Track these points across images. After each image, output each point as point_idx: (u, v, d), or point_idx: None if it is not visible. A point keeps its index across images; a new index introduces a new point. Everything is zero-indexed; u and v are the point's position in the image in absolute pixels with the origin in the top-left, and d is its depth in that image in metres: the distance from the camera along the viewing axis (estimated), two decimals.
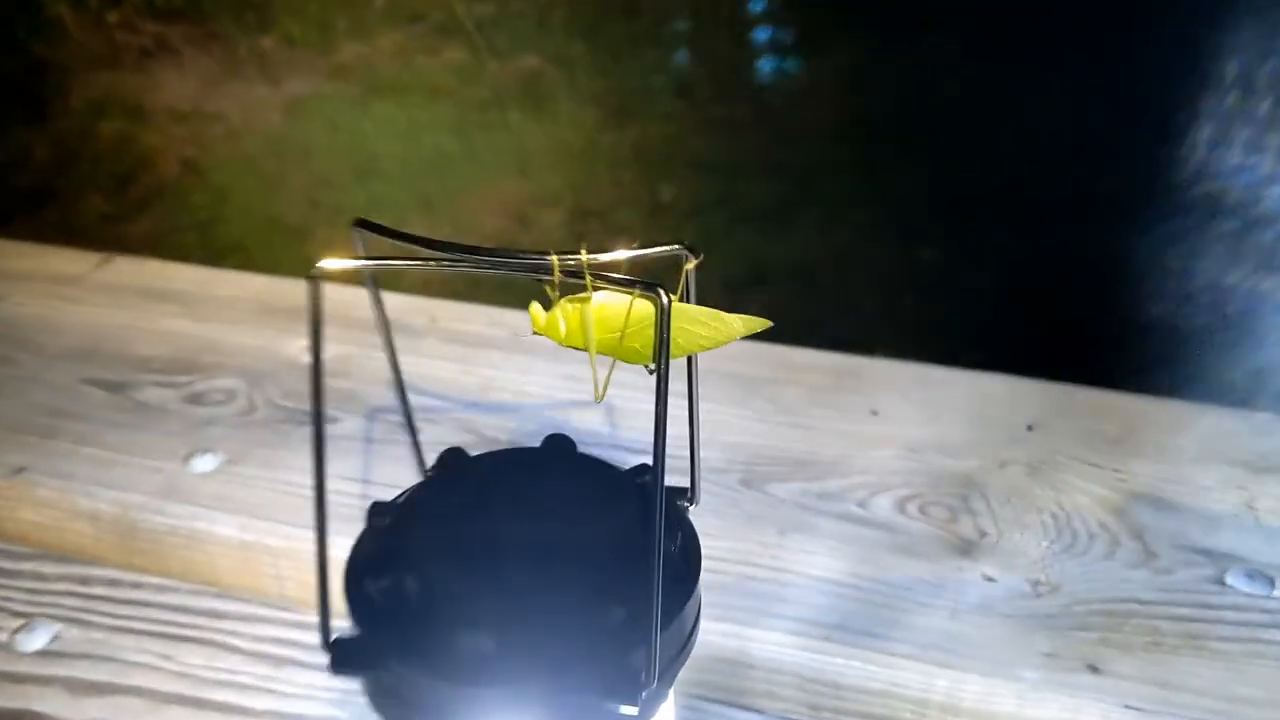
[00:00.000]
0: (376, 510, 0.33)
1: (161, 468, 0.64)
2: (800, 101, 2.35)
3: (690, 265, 0.31)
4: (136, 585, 0.58)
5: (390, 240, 0.30)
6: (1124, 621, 0.53)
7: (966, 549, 0.57)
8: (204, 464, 0.64)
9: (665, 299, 0.28)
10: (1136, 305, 1.59)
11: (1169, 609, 0.54)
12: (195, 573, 0.60)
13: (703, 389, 0.72)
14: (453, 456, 0.35)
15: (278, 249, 1.91)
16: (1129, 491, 0.61)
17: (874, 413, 0.67)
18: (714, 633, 0.53)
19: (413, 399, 0.71)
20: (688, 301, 0.33)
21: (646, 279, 0.28)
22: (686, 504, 0.36)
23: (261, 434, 0.66)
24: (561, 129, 2.29)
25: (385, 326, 0.36)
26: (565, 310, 0.32)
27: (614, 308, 0.32)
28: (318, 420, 0.30)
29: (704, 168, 2.13)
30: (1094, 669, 0.51)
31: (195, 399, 0.69)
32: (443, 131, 2.28)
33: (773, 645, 0.53)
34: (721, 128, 2.26)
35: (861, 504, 0.60)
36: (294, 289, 0.81)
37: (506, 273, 0.30)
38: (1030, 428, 0.65)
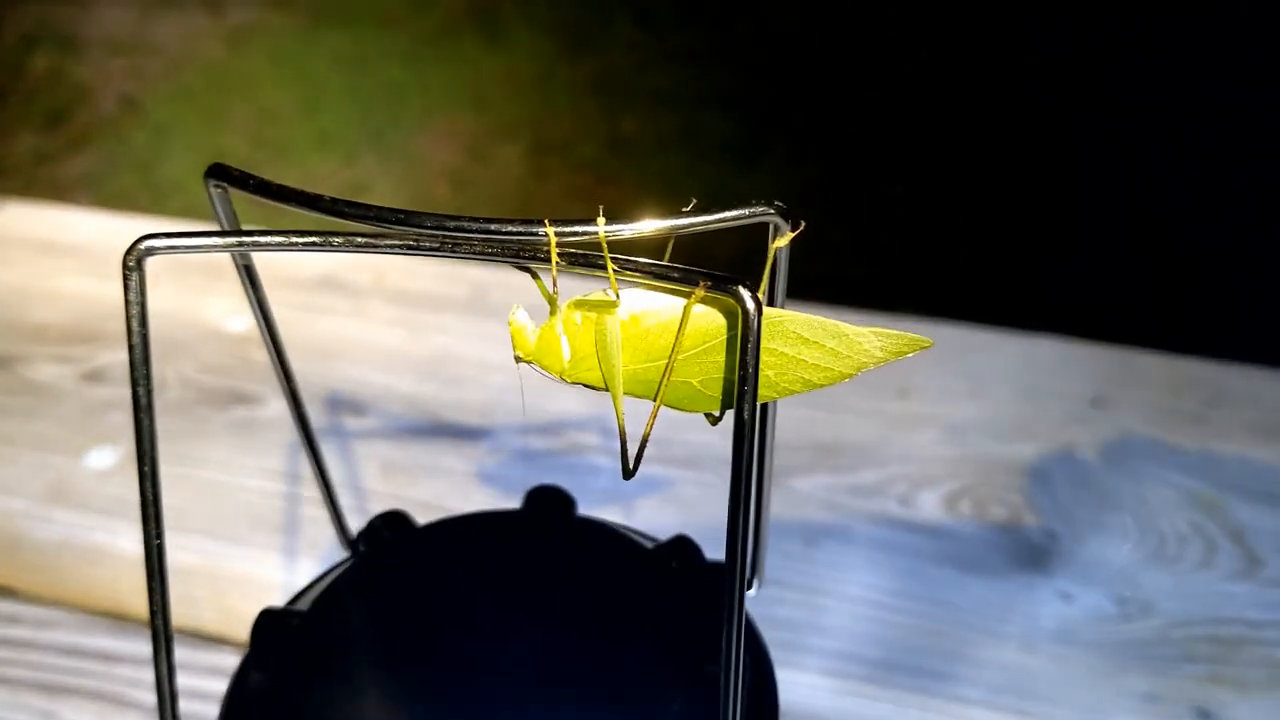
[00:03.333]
0: (266, 625, 0.21)
1: (51, 463, 0.52)
2: (765, 31, 2.22)
3: (782, 242, 0.19)
4: (15, 620, 0.47)
5: (271, 200, 0.19)
6: (1234, 651, 0.43)
7: (1035, 558, 0.47)
8: (102, 459, 0.53)
9: (752, 303, 0.17)
10: (1217, 248, 1.43)
11: None
12: (91, 596, 0.48)
13: None
14: (388, 526, 0.23)
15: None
16: (1221, 481, 0.50)
17: (906, 387, 0.56)
18: None
19: (352, 372, 0.60)
20: (776, 304, 0.21)
21: (705, 269, 0.17)
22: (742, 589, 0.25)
23: (173, 420, 0.55)
24: (518, 59, 2.16)
25: (270, 333, 0.24)
26: (571, 322, 0.20)
27: (656, 318, 0.20)
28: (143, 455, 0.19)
29: (667, 100, 2.01)
30: (1204, 714, 0.41)
31: (94, 376, 0.58)
32: (394, 62, 2.15)
33: (804, 688, 0.42)
34: (684, 58, 2.14)
35: (903, 501, 0.50)
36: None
37: (465, 256, 0.18)
38: (1095, 402, 0.55)
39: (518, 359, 0.21)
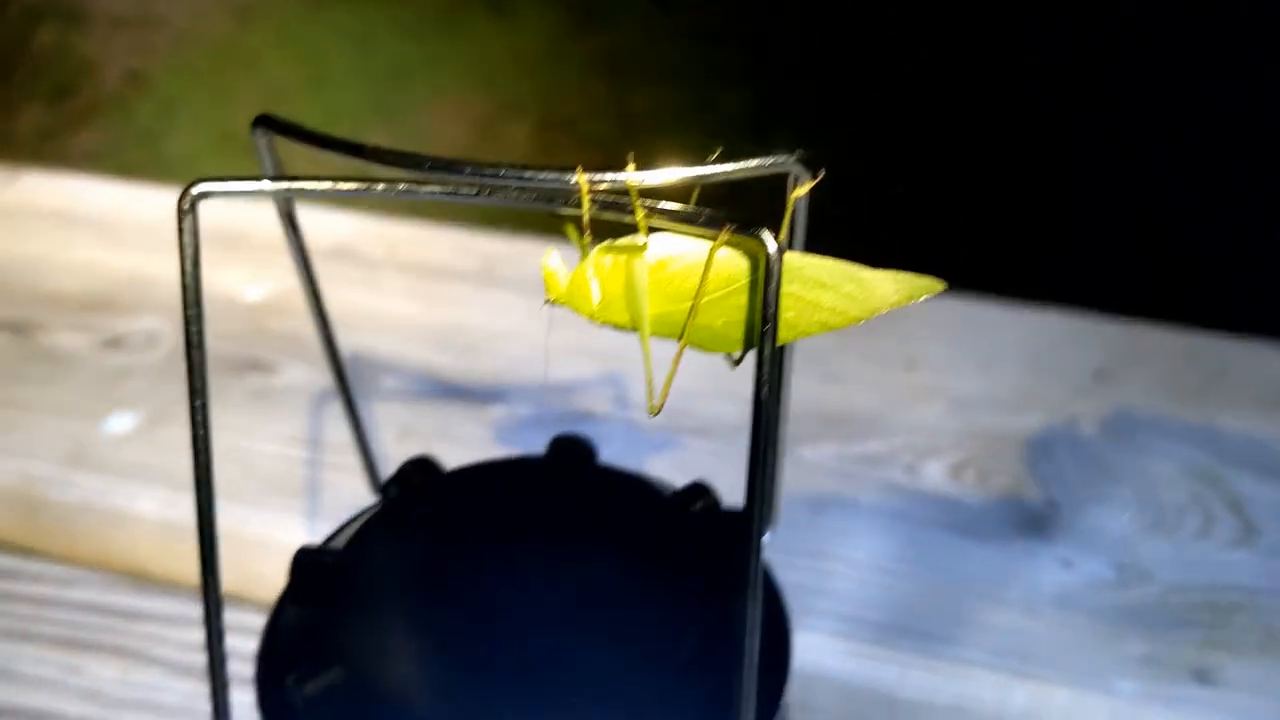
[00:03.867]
0: (303, 563, 0.22)
1: (70, 429, 0.53)
2: (775, 6, 2.22)
3: (801, 190, 0.20)
4: (38, 578, 0.48)
5: (315, 148, 0.20)
6: (1230, 617, 0.44)
7: (1037, 526, 0.48)
8: (121, 424, 0.54)
9: (773, 246, 0.18)
10: (1221, 220, 1.42)
11: None
12: (110, 559, 0.49)
13: None
14: (418, 471, 0.24)
15: (230, 164, 1.79)
16: (1221, 453, 0.51)
17: (913, 360, 0.57)
18: None
19: (367, 341, 0.61)
20: (795, 249, 0.22)
21: (730, 213, 0.18)
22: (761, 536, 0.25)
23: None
24: (526, 35, 2.16)
25: (310, 279, 0.25)
26: (601, 266, 0.21)
27: (681, 263, 0.21)
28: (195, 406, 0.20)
29: (676, 76, 2.01)
30: (1201, 677, 0.42)
31: (113, 344, 0.59)
32: (401, 38, 2.15)
33: (812, 650, 0.43)
34: (693, 34, 2.14)
35: (909, 470, 0.51)
36: (233, 209, 0.70)
37: (501, 203, 0.19)
38: (1098, 375, 0.56)
39: (549, 302, 0.22)
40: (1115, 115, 1.68)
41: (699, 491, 0.24)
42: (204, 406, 0.20)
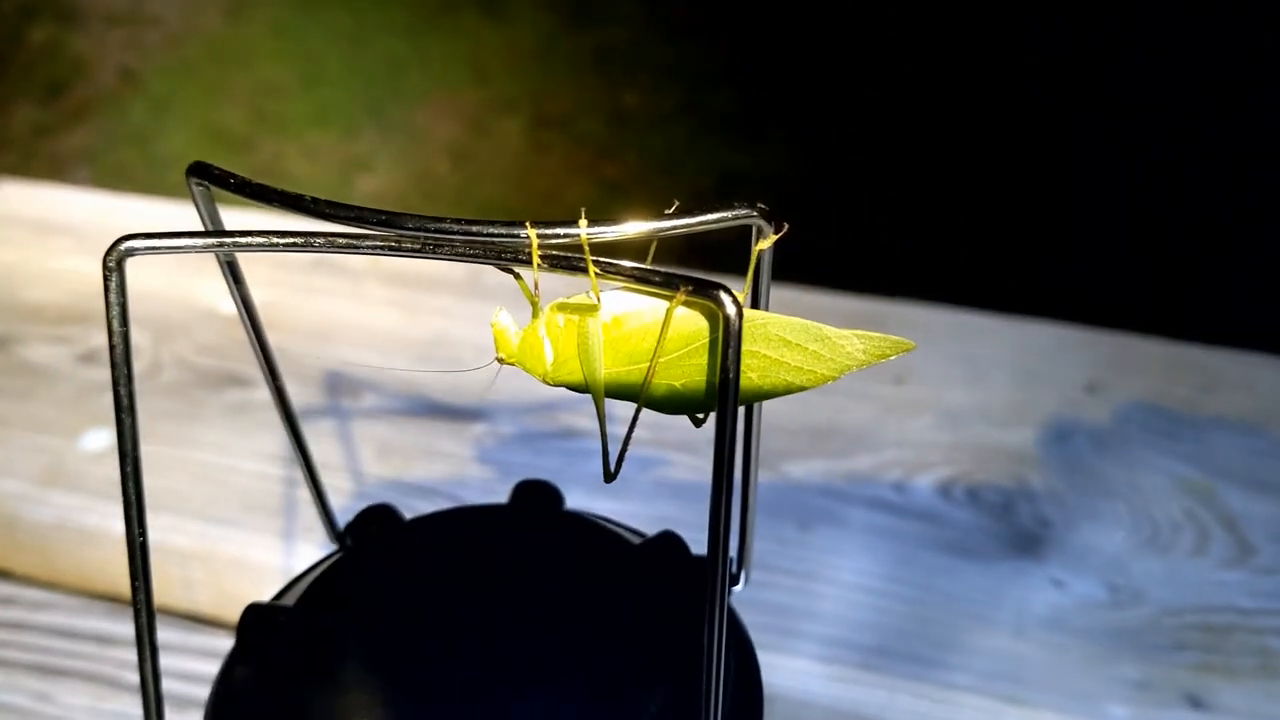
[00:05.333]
0: (253, 621, 0.22)
1: (47, 445, 0.52)
2: (768, 6, 2.21)
3: (765, 244, 0.19)
4: (10, 601, 0.47)
5: (252, 199, 0.19)
6: (1224, 638, 0.44)
7: (1028, 545, 0.47)
8: (98, 440, 0.53)
9: (733, 307, 0.17)
10: (1216, 239, 1.40)
11: (1278, 621, 0.44)
12: (86, 578, 0.49)
13: None
14: (376, 520, 0.23)
15: (222, 161, 1.77)
16: (1214, 469, 0.50)
17: (902, 372, 0.56)
18: None
19: (349, 354, 0.60)
20: (760, 306, 0.21)
21: (685, 273, 0.17)
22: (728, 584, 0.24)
23: (168, 402, 0.55)
24: (518, 32, 2.15)
25: (255, 330, 0.24)
26: (554, 324, 0.20)
27: (638, 320, 0.20)
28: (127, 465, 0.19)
29: (669, 73, 2.00)
30: (1195, 702, 0.41)
31: (90, 358, 0.58)
32: (394, 35, 2.14)
33: (798, 674, 0.43)
34: (686, 32, 2.13)
35: (898, 488, 0.50)
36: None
37: (447, 258, 0.18)
38: (1090, 388, 0.55)
39: (500, 360, 0.21)
40: (1114, 117, 1.67)
41: (668, 541, 0.23)
42: (135, 472, 0.19)
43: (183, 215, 0.69)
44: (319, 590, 0.22)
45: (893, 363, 0.58)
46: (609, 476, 0.20)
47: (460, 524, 0.24)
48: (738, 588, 0.24)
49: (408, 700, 0.20)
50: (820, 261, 0.67)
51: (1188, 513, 0.49)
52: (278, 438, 0.52)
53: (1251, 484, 0.50)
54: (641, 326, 0.20)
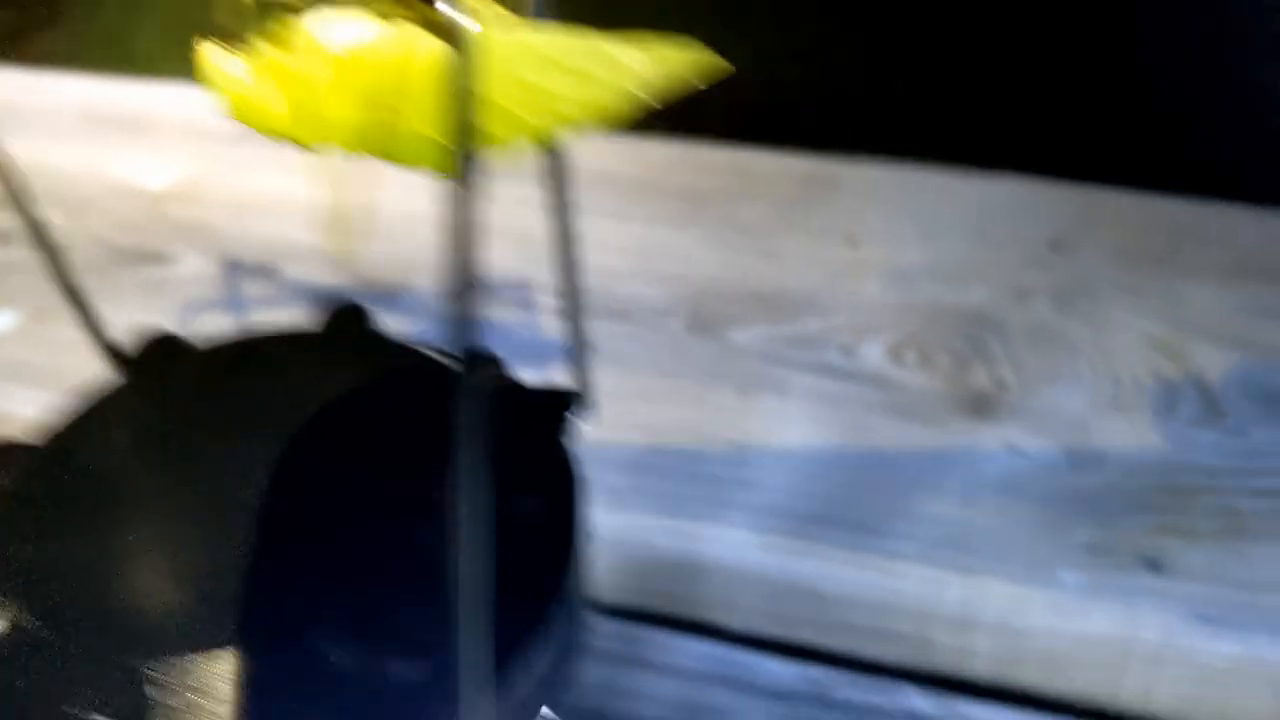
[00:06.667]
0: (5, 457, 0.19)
1: None
2: None
3: None
4: None
5: None
6: (1188, 500, 0.41)
7: (982, 408, 0.44)
8: (2, 321, 0.50)
9: (463, 18, 0.13)
10: (1183, 74, 1.35)
11: (1247, 481, 0.42)
12: None
13: (634, 205, 0.58)
14: (160, 346, 0.20)
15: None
16: (1186, 326, 0.47)
17: (855, 234, 0.53)
18: (656, 531, 0.40)
19: (273, 228, 0.56)
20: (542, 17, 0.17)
21: None
22: (574, 421, 0.21)
23: (82, 280, 0.52)
24: None
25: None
26: (276, 65, 0.16)
27: (377, 55, 0.16)
28: None
29: None
30: (1153, 565, 0.39)
31: None
32: None
33: (733, 545, 0.40)
34: None
35: (845, 352, 0.47)
36: (129, 94, 0.66)
37: None
38: (1054, 245, 0.51)
39: (230, 115, 0.17)
40: None
41: (483, 361, 0.20)
42: None
43: (100, 89, 0.66)
44: (75, 431, 0.20)
45: (844, 224, 0.54)
46: (338, 253, 0.17)
47: (254, 350, 0.21)
48: (590, 425, 0.21)
49: (174, 535, 0.18)
50: (763, 116, 0.63)
51: (1155, 372, 0.46)
52: (193, 314, 0.50)
53: (1225, 341, 0.47)
54: (377, 57, 0.16)
